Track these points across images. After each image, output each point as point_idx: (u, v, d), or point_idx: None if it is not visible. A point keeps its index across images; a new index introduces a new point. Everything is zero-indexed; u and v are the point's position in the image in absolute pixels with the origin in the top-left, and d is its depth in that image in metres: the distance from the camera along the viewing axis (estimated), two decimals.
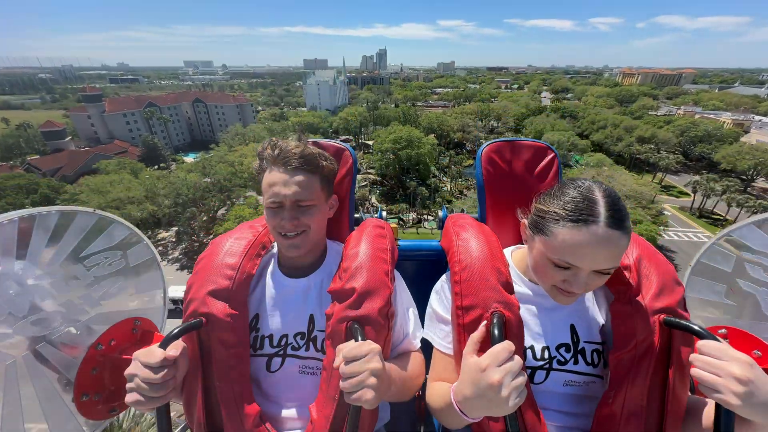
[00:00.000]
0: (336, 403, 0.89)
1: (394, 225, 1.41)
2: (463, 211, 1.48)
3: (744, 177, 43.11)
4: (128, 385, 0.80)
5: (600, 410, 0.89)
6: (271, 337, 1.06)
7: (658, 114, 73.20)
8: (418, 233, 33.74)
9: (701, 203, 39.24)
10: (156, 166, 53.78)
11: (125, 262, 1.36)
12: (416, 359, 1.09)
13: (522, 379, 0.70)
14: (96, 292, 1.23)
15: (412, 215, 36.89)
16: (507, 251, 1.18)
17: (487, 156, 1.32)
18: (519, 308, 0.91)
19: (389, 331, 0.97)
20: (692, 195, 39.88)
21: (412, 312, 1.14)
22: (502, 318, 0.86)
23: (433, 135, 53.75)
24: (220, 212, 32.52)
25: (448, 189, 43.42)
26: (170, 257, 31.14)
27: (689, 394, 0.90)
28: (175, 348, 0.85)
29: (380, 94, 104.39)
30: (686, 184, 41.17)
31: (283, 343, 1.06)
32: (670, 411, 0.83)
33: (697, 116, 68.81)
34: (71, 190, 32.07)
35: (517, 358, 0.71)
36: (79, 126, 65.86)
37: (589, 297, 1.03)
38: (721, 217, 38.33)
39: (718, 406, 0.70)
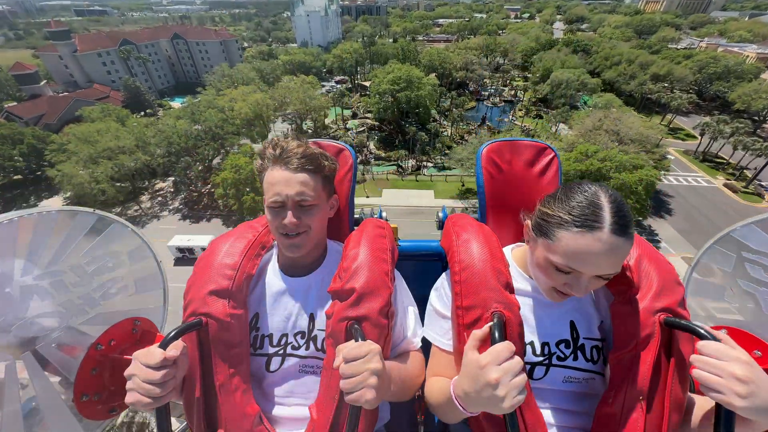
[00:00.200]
0: (336, 403, 0.90)
1: (394, 225, 1.42)
2: (464, 210, 1.48)
3: (756, 118, 41.53)
4: (128, 385, 0.80)
5: (600, 409, 0.90)
6: (270, 336, 1.08)
7: (678, 47, 67.55)
8: (417, 180, 33.55)
9: (707, 146, 38.38)
10: (142, 113, 51.16)
11: (125, 262, 1.36)
12: (416, 359, 1.10)
13: (521, 379, 0.70)
14: (96, 292, 1.23)
15: (411, 162, 36.26)
16: (507, 249, 1.19)
17: (487, 156, 1.32)
18: (519, 308, 0.92)
19: (389, 331, 0.98)
20: (699, 138, 38.82)
21: (413, 312, 1.16)
22: (503, 318, 0.87)
23: (434, 74, 50.19)
24: (215, 161, 31.85)
25: (449, 134, 41.97)
26: (170, 207, 31.36)
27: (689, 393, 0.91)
28: (175, 348, 0.85)
29: (377, 26, 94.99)
30: (695, 127, 39.84)
31: (283, 342, 1.08)
32: (670, 411, 0.84)
33: (719, 50, 63.68)
34: (58, 140, 30.86)
35: (517, 358, 0.72)
36: (52, 68, 60.92)
37: (590, 294, 1.04)
38: (724, 161, 37.85)
39: (718, 407, 0.70)
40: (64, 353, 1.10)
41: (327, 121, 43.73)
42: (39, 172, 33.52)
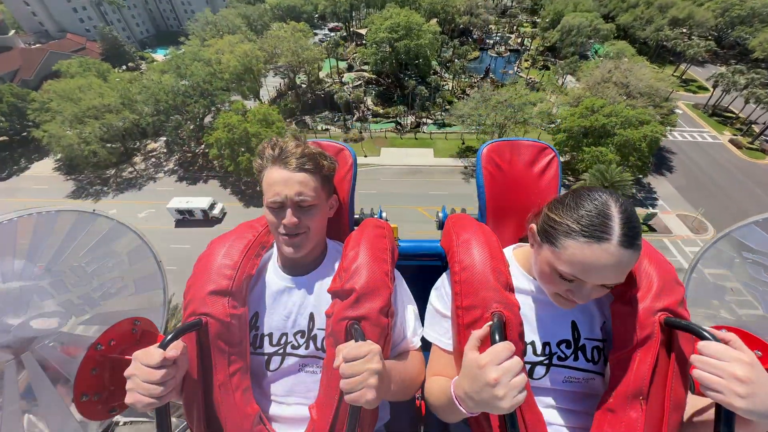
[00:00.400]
0: (336, 403, 0.91)
1: (394, 225, 1.41)
2: (464, 210, 1.48)
3: None
4: (128, 385, 0.81)
5: (600, 410, 0.91)
6: (270, 335, 1.09)
7: None
8: (416, 138, 32.67)
9: (718, 99, 36.89)
10: (124, 66, 48.00)
11: (125, 262, 1.36)
12: (416, 359, 1.12)
13: (521, 379, 0.70)
14: (96, 292, 1.23)
15: (410, 119, 34.98)
16: (508, 249, 1.18)
17: (487, 156, 1.31)
18: (519, 308, 0.93)
19: (389, 330, 0.99)
20: (711, 90, 37.12)
21: (413, 312, 1.17)
22: (502, 318, 0.87)
23: (435, 20, 46.36)
24: (206, 120, 30.65)
25: (450, 88, 39.92)
26: (165, 169, 30.86)
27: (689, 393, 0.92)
28: (175, 348, 0.85)
29: None
30: (708, 78, 37.88)
31: (282, 341, 1.09)
32: (670, 411, 0.84)
33: None
34: (39, 98, 29.34)
35: (516, 358, 0.72)
36: (18, 15, 55.72)
37: None
38: (734, 115, 36.65)
39: (718, 407, 0.70)
40: (64, 353, 1.11)
41: (321, 74, 41.26)
42: (24, 133, 32.36)
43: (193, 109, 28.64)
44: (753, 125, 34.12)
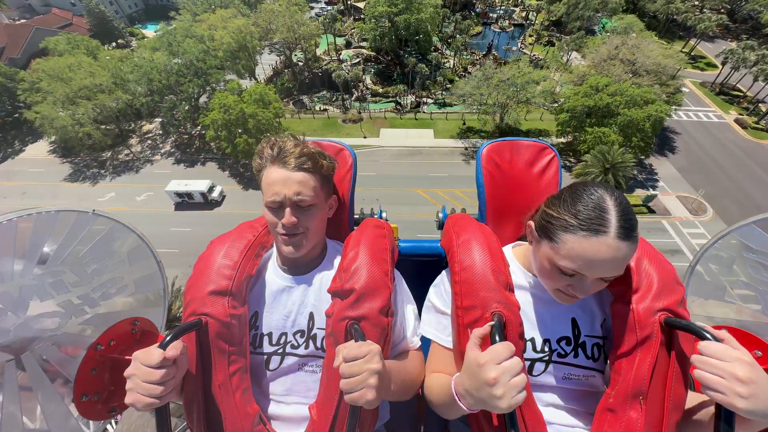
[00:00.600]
0: (336, 403, 0.91)
1: (394, 225, 1.41)
2: (464, 210, 1.48)
3: None
4: (128, 386, 0.81)
5: (600, 409, 0.91)
6: (270, 335, 1.10)
7: None
8: (416, 119, 32.05)
9: (726, 77, 35.89)
10: (114, 44, 46.25)
11: (124, 261, 1.36)
12: (416, 358, 1.12)
13: (520, 379, 0.71)
14: (96, 292, 1.24)
15: (410, 98, 34.15)
16: (508, 247, 1.19)
17: (487, 156, 1.31)
18: (519, 308, 0.94)
19: (389, 330, 0.99)
20: (720, 67, 36.05)
21: (412, 312, 1.17)
22: (502, 318, 0.88)
23: None
24: (201, 100, 29.90)
25: (451, 65, 38.70)
26: (162, 151, 30.46)
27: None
28: (175, 348, 0.85)
29: None
30: (717, 55, 36.65)
31: (282, 341, 1.09)
32: (670, 410, 0.84)
33: None
34: (28, 78, 28.47)
35: (516, 358, 0.73)
36: None
37: None
38: (741, 94, 35.79)
39: (718, 407, 0.70)
40: (63, 353, 1.11)
41: (318, 51, 39.85)
42: (16, 115, 31.66)
43: (188, 89, 27.88)
44: (760, 104, 33.39)
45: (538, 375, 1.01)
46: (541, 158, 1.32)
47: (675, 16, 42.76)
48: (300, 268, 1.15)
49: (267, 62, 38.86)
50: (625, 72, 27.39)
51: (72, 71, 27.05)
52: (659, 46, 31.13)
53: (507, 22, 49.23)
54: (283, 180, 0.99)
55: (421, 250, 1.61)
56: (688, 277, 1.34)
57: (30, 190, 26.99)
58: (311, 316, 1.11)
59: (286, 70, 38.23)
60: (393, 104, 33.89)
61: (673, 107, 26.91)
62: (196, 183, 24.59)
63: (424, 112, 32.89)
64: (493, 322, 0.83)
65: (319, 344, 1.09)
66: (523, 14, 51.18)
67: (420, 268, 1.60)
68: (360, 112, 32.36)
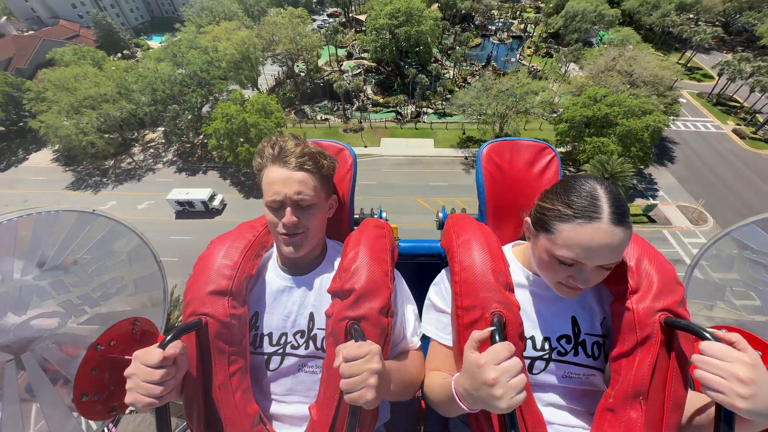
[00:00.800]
0: (336, 403, 0.91)
1: (394, 225, 1.41)
2: (464, 210, 1.49)
3: None
4: (128, 386, 0.80)
5: (600, 409, 0.91)
6: (270, 335, 1.09)
7: None
8: (416, 128, 32.33)
9: (723, 88, 36.29)
10: (119, 54, 47.09)
11: (125, 262, 1.36)
12: (416, 358, 1.11)
13: (519, 380, 0.70)
14: (96, 292, 1.24)
15: (410, 108, 34.52)
16: (508, 247, 1.19)
17: (487, 156, 1.32)
18: (519, 308, 0.94)
19: (389, 330, 0.99)
20: (716, 78, 36.49)
21: (412, 312, 1.17)
22: (502, 318, 0.88)
23: (436, 5, 45.17)
24: (204, 109, 30.26)
25: (451, 76, 39.24)
26: (164, 160, 30.66)
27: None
28: (175, 348, 0.85)
29: None
30: (713, 66, 37.15)
31: (282, 341, 1.09)
32: (670, 410, 0.84)
33: None
34: (34, 88, 28.88)
35: (515, 358, 0.72)
36: (10, 2, 54.38)
37: (591, 290, 1.04)
38: (738, 105, 36.14)
39: (718, 407, 0.70)
40: (64, 353, 1.11)
41: (320, 62, 40.49)
42: (21, 123, 32.02)
43: (191, 99, 28.24)
44: (757, 114, 33.68)
45: (538, 373, 1.00)
46: (541, 158, 1.31)
47: (671, 29, 43.53)
48: (300, 269, 1.15)
49: (269, 73, 39.46)
50: (623, 83, 27.75)
51: (77, 81, 27.47)
52: (656, 58, 31.60)
53: (506, 34, 50.13)
54: (284, 179, 0.99)
55: (421, 250, 1.61)
56: (688, 277, 1.33)
57: (32, 198, 27.10)
58: (311, 317, 1.11)
59: (288, 81, 38.77)
60: (393, 114, 34.23)
61: (671, 117, 27.16)
62: (197, 191, 24.68)
63: (424, 121, 33.20)
64: (493, 327, 0.83)
65: (319, 344, 1.09)
66: (522, 27, 52.15)
67: (420, 268, 1.60)
68: (361, 122, 32.67)
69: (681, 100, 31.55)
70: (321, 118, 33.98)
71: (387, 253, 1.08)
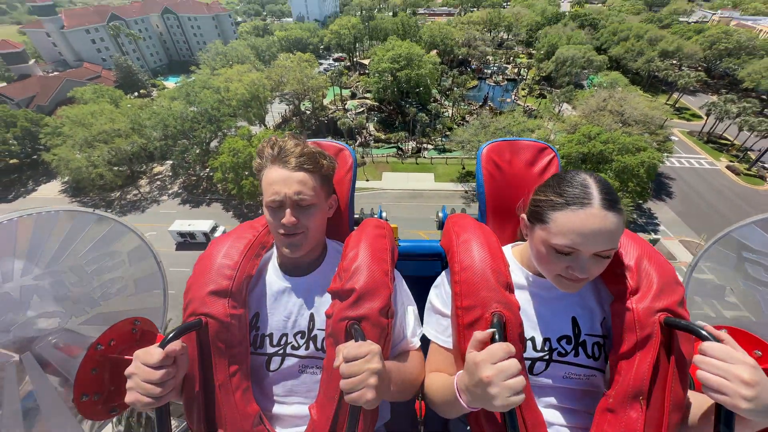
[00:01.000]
0: (336, 403, 0.91)
1: (394, 225, 1.41)
2: (464, 210, 1.48)
3: (764, 97, 40.51)
4: (128, 385, 0.81)
5: (600, 409, 0.91)
6: (270, 336, 1.09)
7: (690, 21, 64.81)
8: (417, 163, 33.19)
9: (712, 127, 37.67)
10: (136, 93, 49.86)
11: (125, 262, 1.35)
12: (416, 359, 1.11)
13: (516, 382, 0.70)
14: (96, 292, 1.23)
15: (411, 144, 35.72)
16: (507, 247, 1.19)
17: (487, 156, 1.31)
18: (519, 308, 0.94)
19: (389, 331, 0.98)
20: (705, 118, 38.01)
21: (412, 312, 1.16)
22: (502, 318, 0.88)
23: (435, 51, 48.46)
24: (212, 144, 31.40)
25: (450, 115, 41.06)
26: (170, 192, 31.24)
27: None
28: (175, 348, 0.85)
29: None
30: (701, 107, 38.87)
31: (282, 342, 1.08)
32: (670, 411, 0.83)
33: (732, 23, 61.09)
34: (52, 123, 30.29)
35: (513, 360, 0.72)
36: (39, 46, 58.73)
37: (591, 290, 1.04)
38: (729, 142, 37.29)
39: (718, 406, 0.70)
40: (64, 353, 1.10)
41: (325, 101, 42.68)
42: (35, 156, 33.13)
43: (200, 134, 29.41)
44: (749, 152, 34.62)
45: (539, 374, 0.99)
46: (541, 158, 1.31)
47: (656, 73, 46.16)
48: (300, 269, 1.15)
49: (277, 110, 41.41)
50: (615, 122, 28.88)
51: (93, 117, 28.86)
52: (644, 99, 33.16)
53: (501, 77, 53.23)
54: (284, 179, 0.99)
55: (421, 250, 1.59)
56: (688, 278, 1.33)
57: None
58: (311, 317, 1.10)
59: (294, 118, 40.58)
60: (395, 149, 35.36)
61: (665, 154, 27.92)
62: (199, 223, 24.82)
63: (424, 157, 34.18)
64: (494, 329, 0.83)
65: (319, 345, 1.08)
66: (516, 70, 55.48)
67: (420, 268, 1.58)
68: (363, 157, 33.65)
69: (673, 137, 32.64)
70: None
71: (387, 253, 1.08)
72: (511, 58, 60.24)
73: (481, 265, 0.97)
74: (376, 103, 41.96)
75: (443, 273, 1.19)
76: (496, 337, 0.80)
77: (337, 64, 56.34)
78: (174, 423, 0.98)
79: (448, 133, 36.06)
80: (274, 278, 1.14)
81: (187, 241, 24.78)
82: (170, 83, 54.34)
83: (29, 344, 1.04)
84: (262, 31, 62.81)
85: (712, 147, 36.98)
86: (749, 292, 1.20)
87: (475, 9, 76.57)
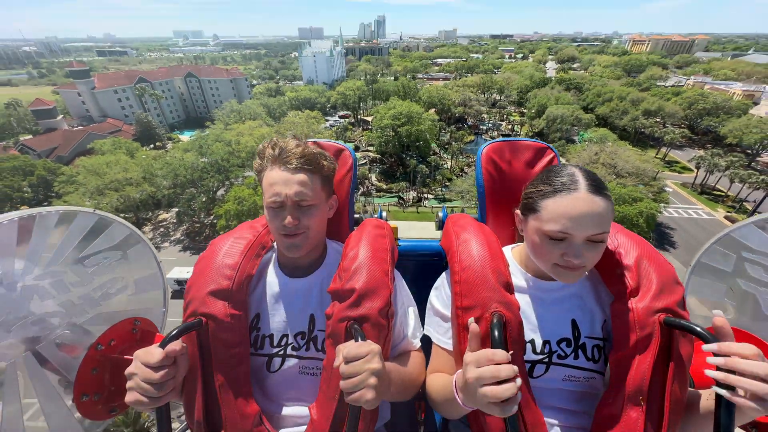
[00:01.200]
0: (336, 403, 0.90)
1: (394, 225, 1.42)
2: (463, 210, 1.50)
3: (749, 152, 42.45)
4: (128, 385, 0.80)
5: (600, 409, 0.90)
6: (271, 336, 1.08)
7: (667, 85, 70.71)
8: (418, 212, 33.76)
9: (704, 179, 38.88)
10: (152, 146, 52.86)
11: (125, 262, 1.36)
12: (416, 359, 1.10)
13: (506, 389, 0.67)
14: (96, 293, 1.24)
15: (412, 194, 36.72)
16: (507, 249, 1.19)
17: (487, 156, 1.31)
18: (519, 308, 0.93)
19: (389, 331, 0.98)
20: (695, 171, 39.42)
21: (413, 312, 1.15)
22: (502, 318, 0.87)
23: (433, 110, 52.29)
24: (219, 193, 32.37)
25: (449, 167, 42.86)
26: (172, 239, 31.39)
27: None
28: (175, 347, 0.85)
29: (379, 65, 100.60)
30: (690, 160, 40.54)
31: (283, 343, 1.07)
32: (670, 411, 0.83)
33: (706, 87, 66.55)
34: (68, 172, 31.69)
35: (494, 367, 0.69)
36: (69, 103, 64.03)
37: (591, 292, 1.03)
38: (723, 194, 38.14)
39: (718, 399, 0.70)
40: (64, 353, 1.10)
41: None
42: (46, 203, 34.05)
43: (209, 183, 30.52)
44: (744, 203, 35.23)
45: (539, 377, 0.98)
46: (541, 158, 1.31)
47: (643, 130, 49.05)
48: (301, 270, 1.14)
49: None
50: (609, 174, 29.96)
51: (108, 167, 30.26)
52: (634, 153, 34.78)
53: (496, 132, 56.63)
54: (284, 180, 1.00)
55: (421, 250, 1.58)
56: (688, 278, 1.33)
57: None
58: (312, 318, 1.09)
59: None
60: (396, 199, 36.26)
61: (662, 204, 28.42)
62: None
63: (425, 206, 34.90)
64: (494, 328, 0.82)
65: (320, 346, 1.07)
66: (509, 127, 59.22)
67: (420, 268, 1.56)
68: (365, 206, 34.37)
69: (667, 189, 33.49)
70: None
71: (387, 253, 1.08)
72: (505, 116, 64.71)
73: (481, 265, 0.97)
74: (378, 156, 44.10)
75: (443, 274, 1.19)
76: (496, 335, 0.80)
77: (342, 120, 60.51)
78: (174, 423, 0.94)
79: (447, 183, 37.29)
80: (275, 279, 1.13)
81: (182, 289, 24.19)
82: (185, 137, 57.89)
83: (30, 344, 1.04)
84: (275, 92, 68.65)
85: (707, 198, 37.75)
86: (749, 292, 1.20)
87: (469, 74, 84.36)
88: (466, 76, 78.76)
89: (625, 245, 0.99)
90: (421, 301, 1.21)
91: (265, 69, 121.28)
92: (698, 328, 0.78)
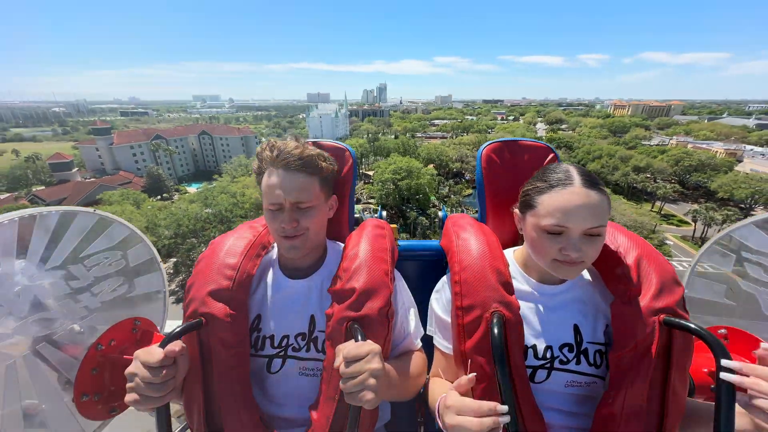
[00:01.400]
0: (336, 404, 0.89)
1: (394, 226, 1.40)
2: (463, 210, 1.47)
3: (742, 206, 43.37)
4: (128, 385, 0.80)
5: (600, 411, 0.88)
6: (272, 337, 1.06)
7: (652, 144, 75.08)
8: None
9: (702, 232, 39.11)
10: (159, 197, 54.45)
11: (125, 262, 1.36)
12: (417, 359, 1.09)
13: None
14: (96, 292, 1.24)
15: None
16: (509, 251, 1.16)
17: (487, 156, 1.32)
18: (519, 308, 0.92)
19: (389, 331, 0.97)
20: (693, 224, 39.85)
21: (413, 312, 1.14)
22: (502, 318, 0.87)
23: (432, 165, 54.83)
24: None
25: None
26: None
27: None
28: (175, 348, 0.84)
29: (380, 125, 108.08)
30: (686, 213, 41.28)
31: (284, 344, 1.06)
32: (669, 411, 0.83)
33: (689, 146, 70.58)
34: None
35: (476, 420, 0.70)
36: (86, 157, 67.62)
37: (593, 297, 1.02)
38: None
39: (718, 397, 0.70)
40: (64, 353, 1.10)
41: None
42: None
43: (210, 233, 30.74)
44: None
45: (540, 383, 0.96)
46: (541, 159, 1.31)
47: (635, 185, 50.80)
48: (301, 271, 1.12)
49: None
50: None
51: None
52: (630, 206, 35.56)
53: None
54: (283, 182, 0.99)
55: (421, 250, 1.56)
56: (688, 278, 1.31)
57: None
58: (312, 319, 1.07)
59: None
60: None
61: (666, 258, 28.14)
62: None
63: None
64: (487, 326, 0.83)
65: (320, 347, 1.05)
66: None
67: (420, 268, 1.56)
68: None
69: (668, 242, 33.47)
70: None
71: (387, 253, 1.07)
72: None
73: (480, 265, 0.97)
74: (379, 208, 45.01)
75: (444, 277, 1.17)
76: (495, 332, 0.80)
77: None
78: (174, 423, 0.89)
79: None
80: (275, 280, 1.12)
81: None
82: (192, 188, 59.94)
83: (30, 344, 1.04)
84: None
85: None
86: (749, 292, 1.19)
87: (465, 134, 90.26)
88: (461, 135, 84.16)
89: (625, 245, 0.99)
90: (422, 302, 1.20)
91: (275, 128, 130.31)
92: (698, 329, 0.78)
